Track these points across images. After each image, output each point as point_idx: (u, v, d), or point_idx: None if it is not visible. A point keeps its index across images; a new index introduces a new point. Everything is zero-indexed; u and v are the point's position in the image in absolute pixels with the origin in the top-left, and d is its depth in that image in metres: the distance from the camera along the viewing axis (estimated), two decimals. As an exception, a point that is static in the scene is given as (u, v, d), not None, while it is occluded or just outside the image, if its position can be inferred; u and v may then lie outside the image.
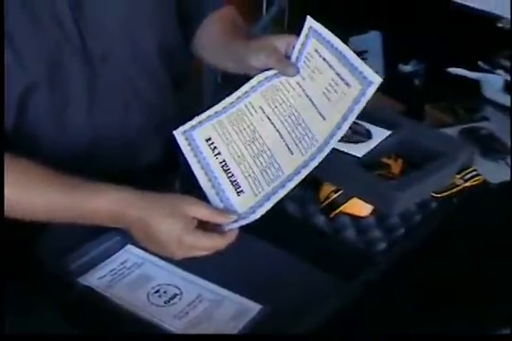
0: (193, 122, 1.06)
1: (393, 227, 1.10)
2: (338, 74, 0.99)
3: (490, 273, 1.09)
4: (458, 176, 1.17)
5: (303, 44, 1.05)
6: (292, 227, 1.10)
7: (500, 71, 1.79)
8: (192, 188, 1.01)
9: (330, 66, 1.01)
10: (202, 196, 0.97)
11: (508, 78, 1.76)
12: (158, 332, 0.91)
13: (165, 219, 0.90)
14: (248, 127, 1.04)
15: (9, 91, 1.01)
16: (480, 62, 1.84)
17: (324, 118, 0.99)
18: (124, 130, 1.16)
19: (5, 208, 0.92)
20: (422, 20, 2.13)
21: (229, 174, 0.99)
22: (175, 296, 0.98)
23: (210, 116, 1.06)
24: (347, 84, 0.97)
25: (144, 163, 1.24)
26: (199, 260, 0.97)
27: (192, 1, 1.24)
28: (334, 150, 1.05)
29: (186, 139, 1.04)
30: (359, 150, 1.07)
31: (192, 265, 1.01)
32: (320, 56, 1.02)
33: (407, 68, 2.17)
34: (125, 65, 1.13)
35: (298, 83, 1.05)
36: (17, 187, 0.93)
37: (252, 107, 1.06)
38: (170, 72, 1.22)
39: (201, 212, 0.92)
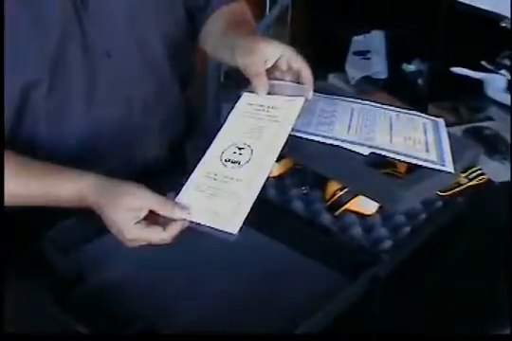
0: None
1: (399, 226, 1.10)
2: (426, 141, 1.11)
3: (495, 271, 1.09)
4: (463, 175, 1.17)
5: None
6: (298, 225, 1.10)
7: (503, 71, 1.80)
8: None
9: (425, 132, 1.14)
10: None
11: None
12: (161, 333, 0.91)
13: (111, 210, 0.92)
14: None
15: (10, 86, 1.01)
16: (483, 62, 1.84)
17: (391, 141, 1.10)
18: (126, 126, 1.17)
19: None
20: (425, 19, 2.13)
21: None
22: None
23: None
24: (427, 150, 1.09)
25: (147, 160, 1.24)
26: (203, 257, 0.99)
27: None
28: (340, 148, 1.07)
29: None
30: (365, 148, 1.07)
31: (195, 261, 1.04)
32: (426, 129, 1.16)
33: (410, 68, 2.18)
34: (129, 62, 1.13)
35: (390, 118, 1.17)
36: None
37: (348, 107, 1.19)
38: (176, 70, 1.22)
39: (146, 204, 0.92)
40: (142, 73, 1.16)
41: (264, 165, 0.97)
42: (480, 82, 1.80)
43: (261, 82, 1.03)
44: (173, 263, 1.04)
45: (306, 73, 1.04)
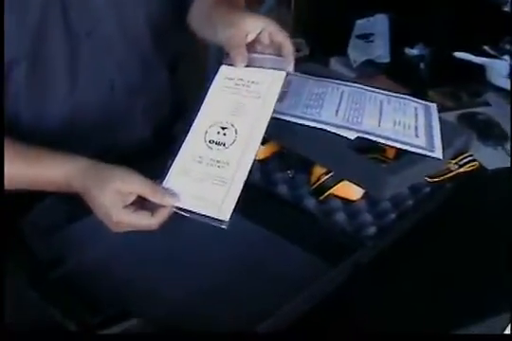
0: None
1: (385, 212, 1.08)
2: (416, 126, 1.10)
3: (482, 258, 1.08)
4: (453, 161, 1.15)
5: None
6: (282, 209, 1.09)
7: (506, 57, 1.77)
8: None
9: (416, 117, 1.13)
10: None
11: (514, 63, 1.74)
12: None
13: (98, 193, 0.90)
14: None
15: None
16: (486, 47, 1.82)
17: (379, 126, 1.08)
18: (109, 108, 1.15)
19: None
20: (429, 3, 2.10)
21: None
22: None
23: None
24: (416, 136, 1.07)
25: (132, 144, 1.22)
26: (183, 241, 0.98)
27: None
28: (326, 131, 1.05)
29: None
30: (352, 132, 1.05)
31: (176, 246, 1.02)
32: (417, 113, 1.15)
33: (413, 52, 2.15)
34: (111, 43, 1.11)
35: (381, 102, 1.15)
36: None
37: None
38: (162, 51, 1.20)
39: (135, 188, 0.90)
40: (126, 54, 1.14)
41: (250, 146, 0.94)
42: (482, 68, 1.78)
43: (239, 54, 1.00)
44: (154, 249, 1.03)
45: (287, 46, 1.01)
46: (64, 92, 1.09)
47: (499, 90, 1.64)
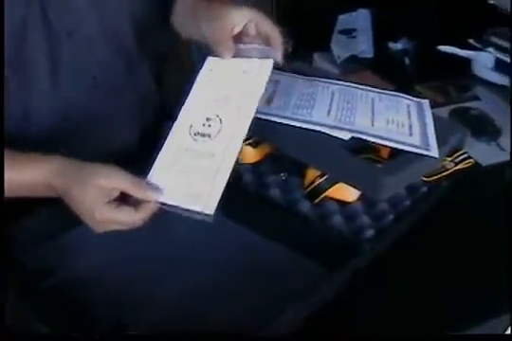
0: None
1: (382, 213, 1.06)
2: (410, 125, 1.07)
3: (481, 259, 1.06)
4: (449, 159, 1.13)
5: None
6: (275, 214, 1.06)
7: (491, 49, 1.76)
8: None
9: (409, 114, 1.10)
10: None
11: (499, 56, 1.73)
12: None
13: (80, 190, 0.87)
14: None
15: None
16: (471, 40, 1.80)
17: (373, 125, 1.05)
18: (93, 109, 1.12)
19: None
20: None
21: None
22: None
23: None
24: (410, 134, 1.05)
25: (118, 145, 1.19)
26: (174, 247, 0.96)
27: None
28: (319, 132, 1.02)
29: None
30: (346, 132, 1.02)
31: (165, 253, 1.00)
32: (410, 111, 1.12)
33: (397, 46, 2.13)
34: (93, 42, 1.08)
35: (373, 100, 1.12)
36: None
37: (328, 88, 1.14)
38: (147, 51, 1.17)
39: (118, 184, 0.87)
40: (109, 54, 1.11)
41: (235, 136, 0.91)
42: (468, 61, 1.76)
43: (225, 46, 0.98)
44: (143, 256, 1.00)
45: (275, 35, 0.99)
46: (46, 93, 1.07)
47: (487, 84, 1.63)
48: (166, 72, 1.33)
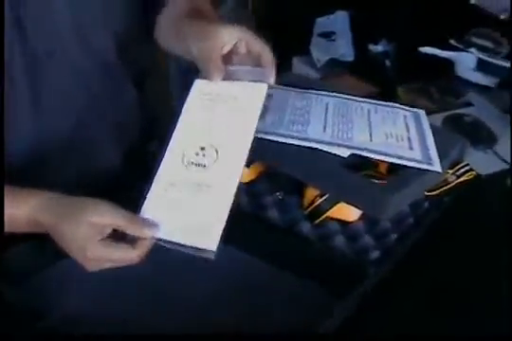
0: None
1: (385, 232, 1.02)
2: (409, 137, 1.04)
3: (489, 276, 1.02)
4: (450, 172, 1.09)
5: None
6: (273, 235, 1.02)
7: (472, 49, 1.75)
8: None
9: (407, 126, 1.07)
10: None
11: (481, 56, 1.71)
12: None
13: (70, 227, 0.81)
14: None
15: None
16: (452, 41, 1.78)
17: (371, 140, 1.02)
18: (77, 133, 1.06)
19: None
20: (391, -2, 2.06)
21: None
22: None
23: None
24: (411, 148, 1.02)
25: (104, 169, 1.13)
26: (168, 275, 0.92)
27: None
28: (318, 150, 0.97)
29: None
30: (344, 149, 0.98)
31: (162, 280, 0.96)
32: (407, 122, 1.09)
33: (377, 48, 2.10)
34: (75, 63, 1.02)
35: (368, 113, 1.09)
36: None
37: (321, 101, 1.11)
38: (130, 69, 1.12)
39: (112, 221, 0.82)
40: (91, 75, 1.05)
41: (233, 166, 0.85)
42: (449, 62, 1.74)
43: (216, 68, 0.91)
44: (140, 286, 0.96)
45: (267, 56, 0.92)
46: (28, 118, 1.01)
47: (476, 88, 1.60)
48: (147, 86, 1.28)
